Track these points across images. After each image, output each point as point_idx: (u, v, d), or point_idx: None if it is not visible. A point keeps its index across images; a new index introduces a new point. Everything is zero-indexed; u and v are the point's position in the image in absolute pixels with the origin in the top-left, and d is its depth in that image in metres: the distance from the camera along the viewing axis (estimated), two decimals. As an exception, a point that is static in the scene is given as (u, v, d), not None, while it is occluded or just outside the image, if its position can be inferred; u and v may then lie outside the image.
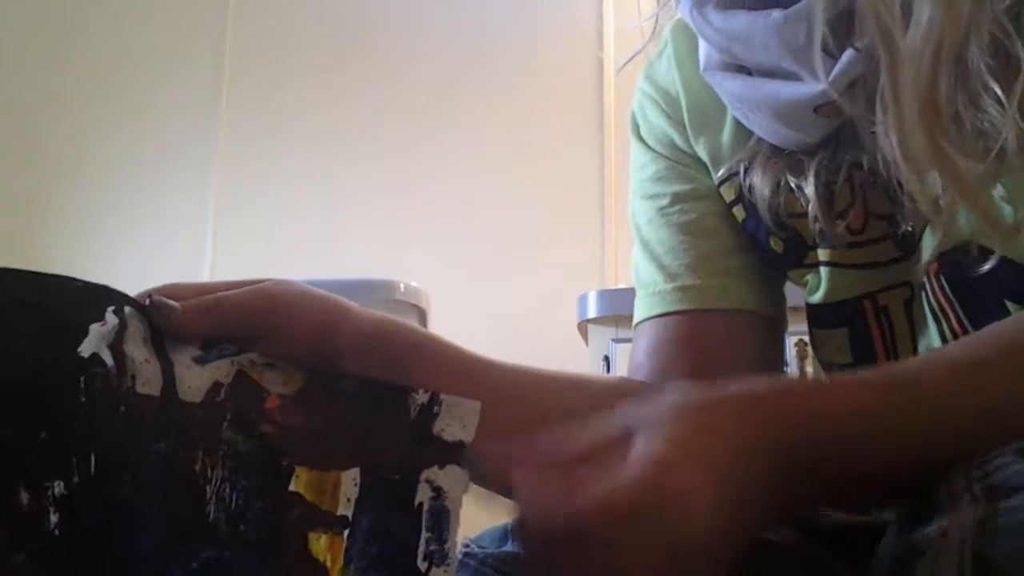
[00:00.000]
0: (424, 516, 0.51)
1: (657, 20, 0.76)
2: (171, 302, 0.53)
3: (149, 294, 0.53)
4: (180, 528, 0.49)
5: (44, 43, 2.91)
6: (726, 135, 0.74)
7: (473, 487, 0.52)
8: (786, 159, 0.68)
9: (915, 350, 0.67)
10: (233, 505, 0.50)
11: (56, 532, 0.45)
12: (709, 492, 0.41)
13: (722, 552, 0.42)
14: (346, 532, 0.51)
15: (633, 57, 0.78)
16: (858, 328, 0.69)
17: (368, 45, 2.87)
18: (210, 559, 0.49)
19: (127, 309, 0.51)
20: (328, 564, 0.50)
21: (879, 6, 0.54)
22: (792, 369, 1.49)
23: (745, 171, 0.71)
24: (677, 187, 0.77)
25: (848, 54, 0.60)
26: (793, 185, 0.68)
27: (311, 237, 2.75)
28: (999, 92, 0.53)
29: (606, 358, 1.90)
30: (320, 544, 0.50)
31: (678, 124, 0.77)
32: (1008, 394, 0.47)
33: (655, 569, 0.40)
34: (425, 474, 0.52)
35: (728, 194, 0.73)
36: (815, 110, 0.63)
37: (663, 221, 0.77)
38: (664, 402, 0.45)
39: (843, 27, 0.60)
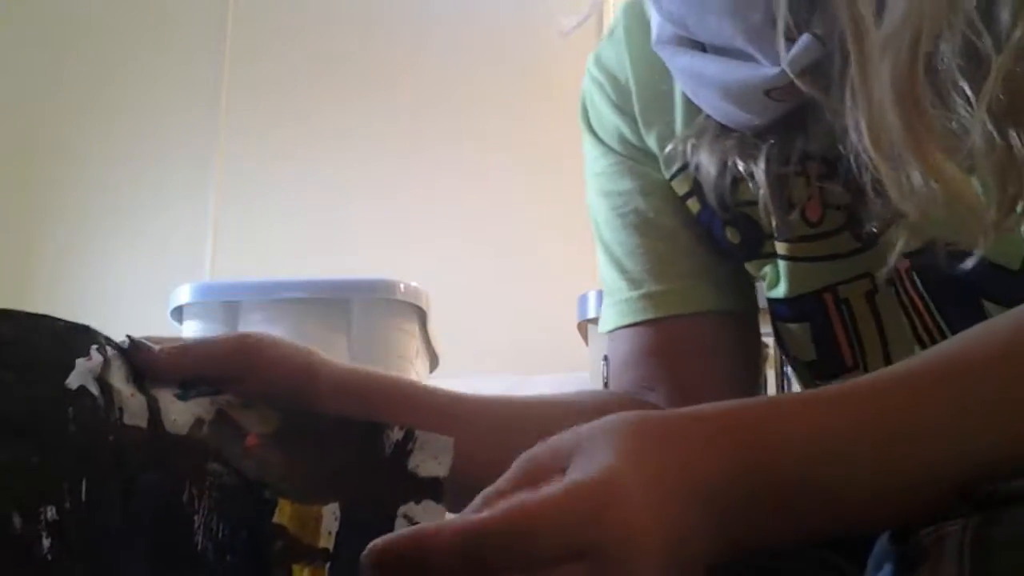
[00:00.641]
0: None
1: None
2: (149, 344, 0.55)
3: (128, 336, 0.55)
4: (170, 556, 0.49)
5: (44, 43, 2.90)
6: (679, 122, 0.72)
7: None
8: (736, 139, 0.67)
9: (885, 345, 0.66)
10: (220, 535, 0.50)
11: (49, 557, 0.45)
12: (652, 536, 0.40)
13: None
14: (328, 565, 0.51)
15: (580, 25, 0.75)
16: (819, 322, 0.68)
17: (369, 45, 2.87)
18: None
19: (108, 348, 0.52)
20: None
21: None
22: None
23: (692, 149, 0.69)
24: (629, 183, 0.76)
25: (805, 39, 0.59)
26: (743, 170, 0.67)
27: (311, 237, 2.75)
28: (969, 92, 0.53)
29: (606, 358, 1.90)
30: None
31: (628, 116, 0.76)
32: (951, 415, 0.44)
33: None
34: (402, 509, 0.53)
35: (681, 187, 0.72)
36: (766, 93, 0.62)
37: (619, 223, 0.76)
38: (607, 438, 0.43)
39: (802, 11, 0.59)
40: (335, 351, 1.77)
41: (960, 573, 0.38)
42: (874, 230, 0.63)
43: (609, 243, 0.77)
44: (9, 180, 2.83)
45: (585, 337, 2.00)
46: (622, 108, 0.76)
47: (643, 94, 0.74)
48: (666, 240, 0.74)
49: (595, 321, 1.92)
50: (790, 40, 0.59)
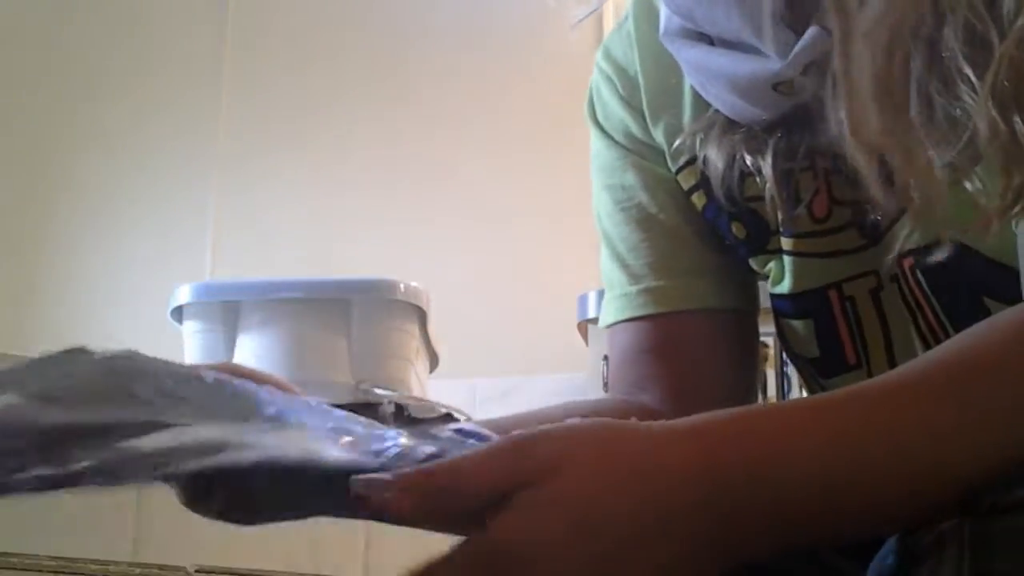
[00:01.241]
0: None
1: None
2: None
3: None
4: None
5: (42, 44, 2.90)
6: (687, 115, 0.72)
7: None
8: (743, 133, 0.67)
9: (888, 343, 0.66)
10: None
11: None
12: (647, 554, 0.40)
13: None
14: None
15: (588, 15, 0.74)
16: (822, 319, 0.68)
17: (369, 45, 2.86)
18: None
19: None
20: None
21: None
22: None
23: (701, 143, 0.69)
24: (633, 178, 0.75)
25: (812, 31, 0.58)
26: (750, 164, 0.67)
27: (311, 237, 2.75)
28: (973, 78, 0.52)
29: (606, 358, 1.90)
30: None
31: (635, 110, 0.75)
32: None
33: None
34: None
35: (687, 181, 0.72)
36: (774, 87, 0.62)
37: (622, 217, 0.76)
38: (593, 451, 0.43)
39: (809, 4, 0.58)
40: (335, 351, 1.77)
41: (960, 573, 0.38)
42: (878, 218, 0.63)
43: (611, 237, 0.77)
44: (7, 181, 2.82)
45: (585, 337, 2.00)
46: (629, 102, 0.76)
47: (651, 87, 0.74)
48: (668, 236, 0.74)
49: (595, 321, 1.92)
50: (798, 34, 0.59)
